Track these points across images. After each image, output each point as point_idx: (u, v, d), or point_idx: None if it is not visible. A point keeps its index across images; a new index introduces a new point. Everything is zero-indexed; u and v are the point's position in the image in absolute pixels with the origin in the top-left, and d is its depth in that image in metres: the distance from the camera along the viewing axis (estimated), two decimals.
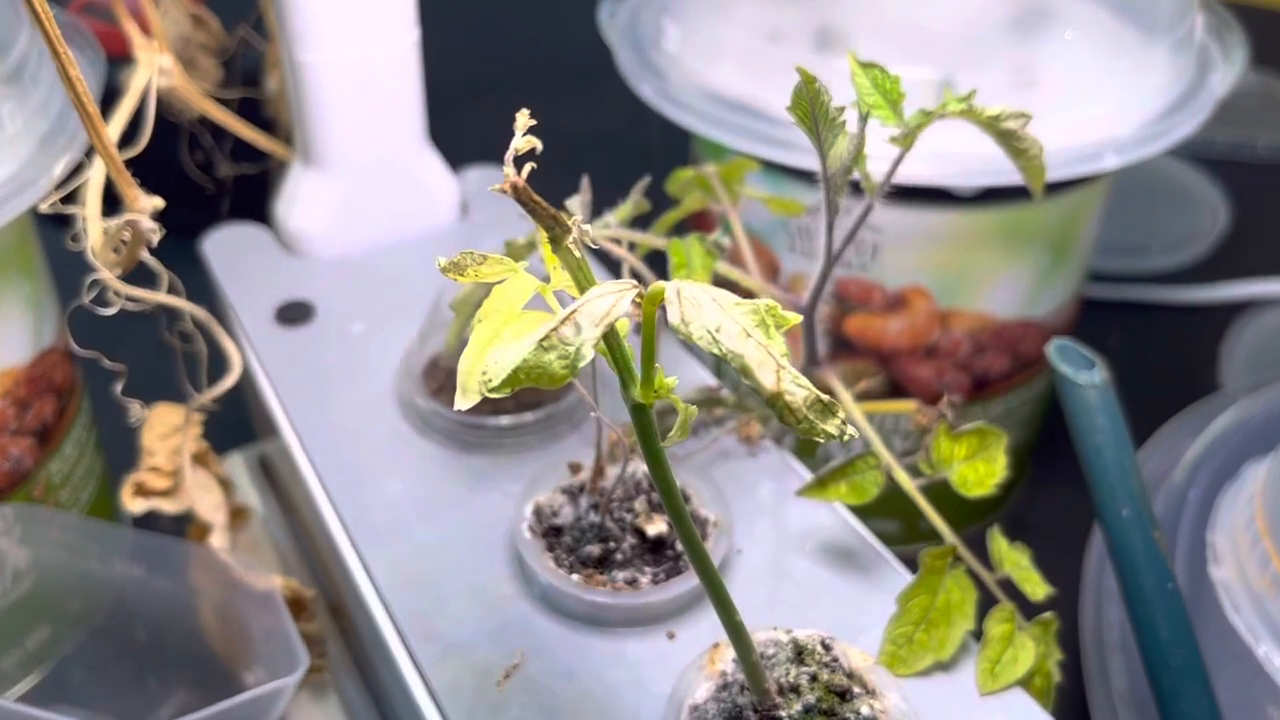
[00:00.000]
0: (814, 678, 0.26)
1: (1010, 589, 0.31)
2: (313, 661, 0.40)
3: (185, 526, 0.40)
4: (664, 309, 0.19)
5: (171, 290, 0.35)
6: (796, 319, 0.19)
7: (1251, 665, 0.39)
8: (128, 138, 0.37)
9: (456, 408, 0.19)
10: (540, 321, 0.19)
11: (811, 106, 0.26)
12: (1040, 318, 0.47)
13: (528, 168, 0.19)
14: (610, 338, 0.20)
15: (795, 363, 0.34)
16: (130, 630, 0.38)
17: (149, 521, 0.39)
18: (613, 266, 0.35)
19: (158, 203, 0.32)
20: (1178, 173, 0.77)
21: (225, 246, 0.42)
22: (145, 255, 0.35)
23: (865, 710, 0.25)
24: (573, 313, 0.19)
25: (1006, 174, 0.39)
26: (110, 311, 0.33)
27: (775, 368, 0.18)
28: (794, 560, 0.32)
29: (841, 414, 0.19)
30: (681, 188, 0.38)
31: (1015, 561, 0.31)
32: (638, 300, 0.19)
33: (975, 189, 0.41)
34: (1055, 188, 0.43)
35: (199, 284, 0.43)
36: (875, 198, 0.29)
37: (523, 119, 0.19)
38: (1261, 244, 0.72)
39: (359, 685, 0.40)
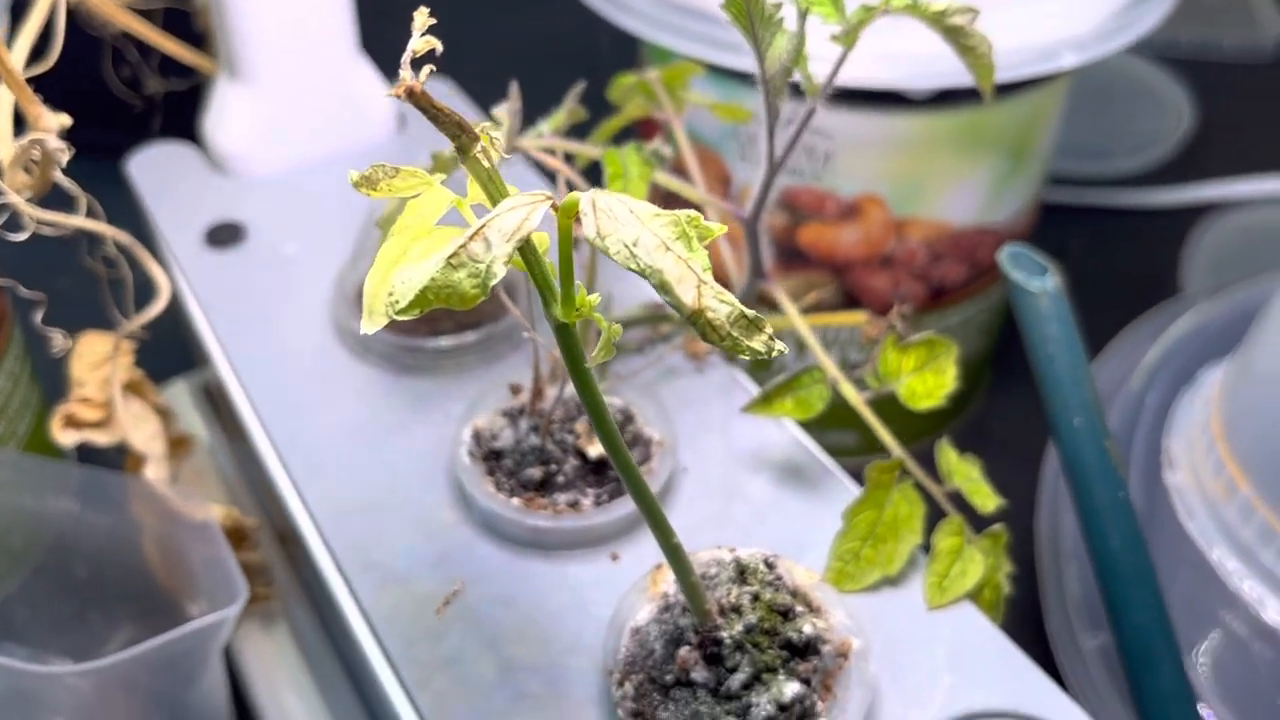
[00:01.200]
0: (756, 597, 0.25)
1: (960, 502, 0.30)
2: (258, 590, 0.39)
3: (121, 460, 0.39)
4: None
5: (91, 214, 0.33)
6: (721, 230, 0.18)
7: (1204, 570, 0.39)
8: (40, 52, 0.35)
9: (362, 331, 0.18)
10: (449, 238, 0.18)
11: (747, 4, 0.25)
12: (998, 224, 0.46)
13: (426, 70, 0.18)
14: (527, 253, 0.19)
15: (740, 275, 0.33)
16: (70, 566, 0.37)
17: (90, 455, 0.38)
18: (555, 179, 0.34)
19: (64, 120, 0.30)
20: (1142, 73, 0.75)
21: (151, 166, 0.41)
22: (61, 178, 0.33)
23: (808, 629, 0.25)
24: (482, 227, 0.18)
25: (960, 75, 0.38)
26: (21, 237, 0.31)
27: (696, 282, 0.17)
28: (742, 477, 0.31)
29: (768, 330, 0.18)
30: (624, 94, 0.36)
31: (965, 474, 0.30)
32: (554, 212, 0.18)
33: (929, 91, 0.40)
34: (1012, 88, 0.41)
35: (131, 207, 0.41)
36: (818, 100, 0.27)
37: (421, 18, 0.18)
38: (1225, 145, 0.71)
39: (308, 612, 0.40)
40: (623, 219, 0.17)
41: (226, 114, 0.40)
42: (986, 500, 0.30)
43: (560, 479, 0.30)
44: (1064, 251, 0.65)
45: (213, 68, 0.41)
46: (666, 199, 0.35)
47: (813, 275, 0.46)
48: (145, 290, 0.35)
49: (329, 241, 0.38)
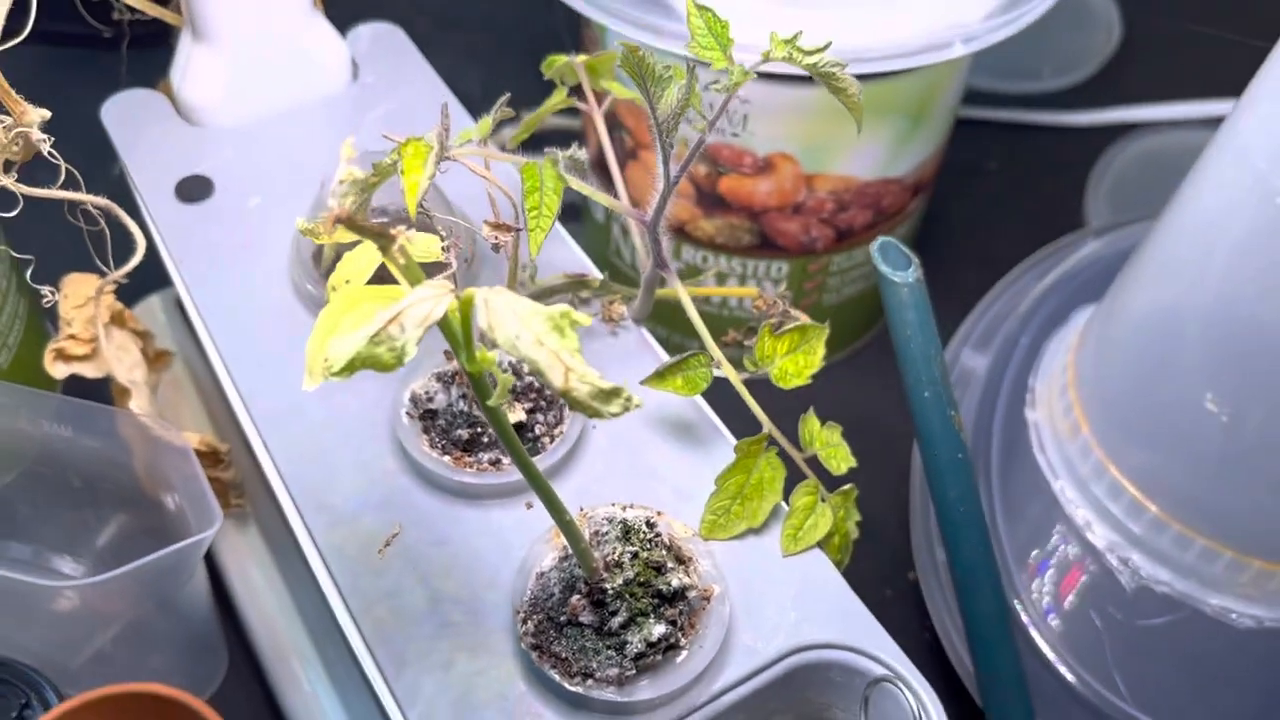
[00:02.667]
0: (635, 555, 0.31)
1: (820, 466, 0.36)
2: (232, 502, 0.45)
3: (108, 385, 0.44)
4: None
5: (70, 184, 0.38)
6: (586, 320, 0.23)
7: (1048, 496, 0.46)
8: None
9: (304, 388, 0.23)
10: (374, 313, 0.23)
11: (639, 69, 0.29)
12: (900, 175, 0.50)
13: (349, 199, 0.22)
14: (442, 324, 0.24)
15: (643, 270, 0.37)
16: (65, 477, 0.43)
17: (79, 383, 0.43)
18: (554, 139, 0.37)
19: (44, 114, 0.34)
20: None
21: (124, 115, 0.44)
22: (43, 150, 0.37)
23: (675, 582, 0.31)
24: (397, 315, 0.23)
25: (862, 64, 0.42)
26: (11, 214, 0.35)
27: (564, 370, 0.22)
28: (642, 435, 0.37)
29: (625, 394, 0.23)
30: (555, 73, 0.40)
31: (825, 440, 0.36)
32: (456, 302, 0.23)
33: None
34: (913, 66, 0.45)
35: (92, 107, 0.45)
36: (705, 133, 0.32)
37: (346, 149, 0.22)
38: (1150, 65, 0.74)
39: (274, 515, 0.46)
40: (507, 317, 0.22)
41: (191, 69, 0.43)
42: (842, 463, 0.36)
43: (485, 439, 0.35)
44: (982, 170, 0.69)
45: (179, 22, 0.44)
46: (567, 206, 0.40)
47: (732, 219, 0.50)
48: (122, 232, 0.40)
49: (291, 193, 0.42)
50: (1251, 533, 0.41)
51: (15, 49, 0.35)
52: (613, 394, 0.23)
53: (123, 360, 0.42)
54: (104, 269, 0.40)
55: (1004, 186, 0.69)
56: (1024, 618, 0.43)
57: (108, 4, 0.51)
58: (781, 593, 0.34)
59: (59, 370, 0.41)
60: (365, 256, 0.27)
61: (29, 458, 0.43)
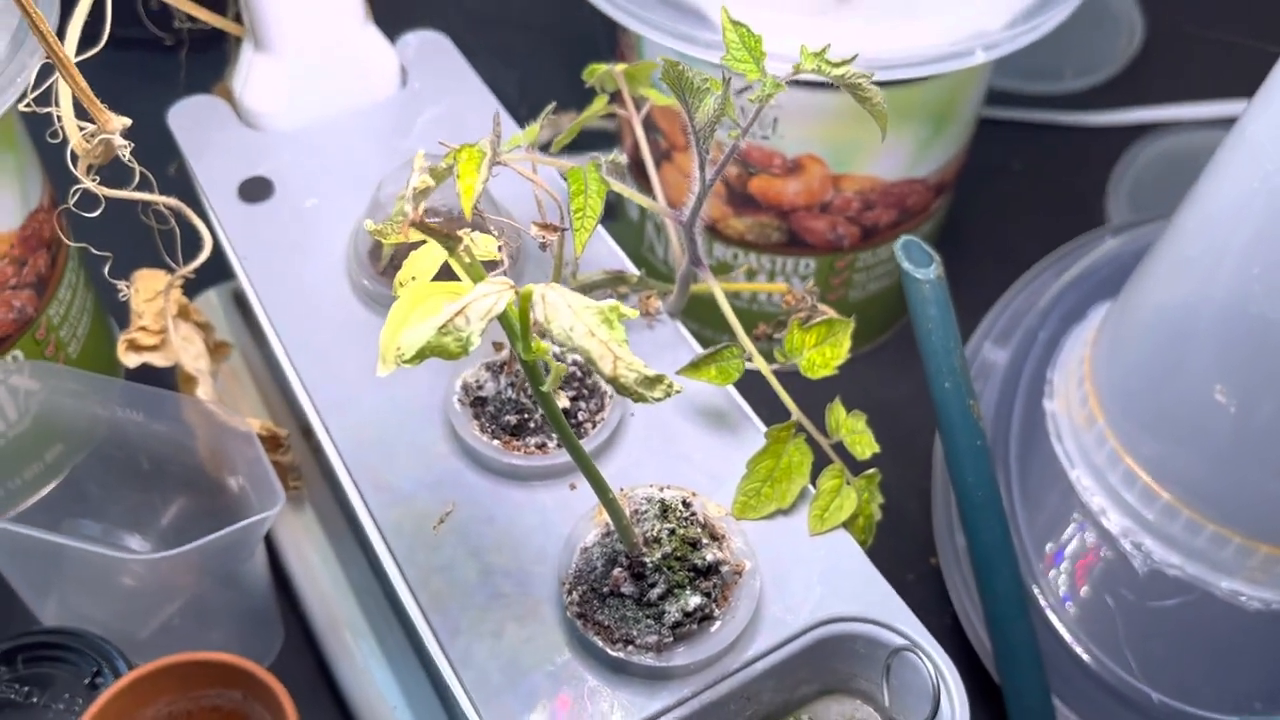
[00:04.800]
0: (673, 531, 0.34)
1: (845, 451, 0.38)
2: (290, 485, 0.48)
3: (174, 373, 0.47)
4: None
5: (144, 185, 0.40)
6: (633, 314, 0.25)
7: (1065, 483, 0.48)
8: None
9: (379, 374, 0.26)
10: (441, 307, 0.26)
11: (678, 81, 0.31)
12: (924, 176, 0.52)
13: (422, 207, 0.25)
14: (502, 317, 0.27)
15: (680, 266, 0.39)
16: (135, 461, 0.46)
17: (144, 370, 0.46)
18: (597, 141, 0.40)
19: (125, 122, 0.37)
20: None
21: (189, 119, 0.47)
22: (122, 156, 0.40)
23: (709, 556, 0.33)
24: (464, 308, 0.25)
25: (887, 71, 0.44)
26: (94, 214, 0.38)
27: (613, 359, 0.25)
28: (678, 423, 0.39)
29: (667, 381, 0.26)
30: (596, 80, 0.43)
31: (850, 427, 0.38)
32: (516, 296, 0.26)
33: None
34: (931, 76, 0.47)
35: (157, 110, 0.47)
36: (739, 140, 0.34)
37: (419, 160, 0.25)
38: (1172, 65, 0.76)
39: (329, 498, 0.48)
40: (562, 311, 0.25)
41: (252, 77, 0.46)
42: (865, 449, 0.38)
43: (531, 425, 0.38)
44: (1005, 169, 0.71)
45: (241, 33, 0.47)
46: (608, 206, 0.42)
47: (762, 217, 0.53)
48: (190, 233, 0.42)
49: (344, 195, 0.45)
50: (1259, 519, 0.43)
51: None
52: (656, 381, 0.26)
53: (188, 350, 0.45)
54: (172, 265, 0.43)
55: (1027, 185, 0.70)
56: (1041, 600, 0.46)
57: (168, 11, 0.54)
58: (808, 570, 0.36)
59: (131, 360, 0.44)
60: (429, 255, 0.30)
61: (99, 439, 0.46)
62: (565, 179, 0.35)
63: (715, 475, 0.38)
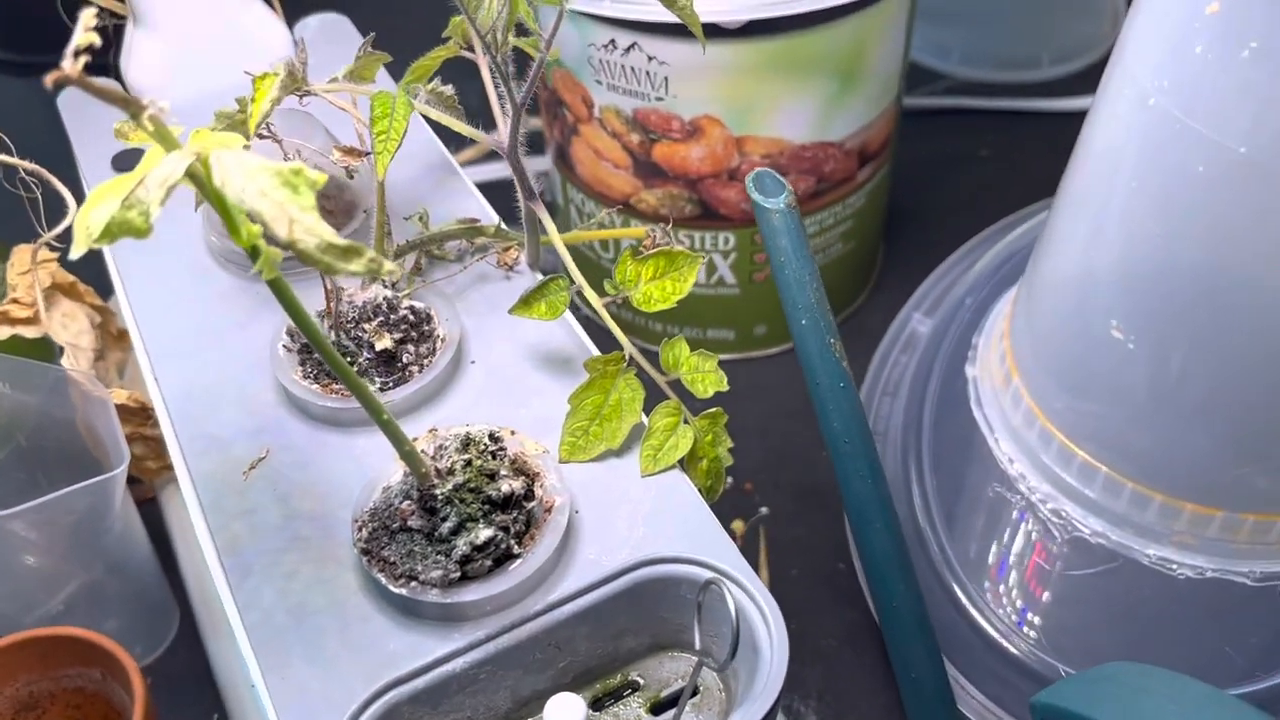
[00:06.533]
0: (469, 463, 0.32)
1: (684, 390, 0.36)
2: (166, 459, 0.47)
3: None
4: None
5: (1, 147, 0.40)
6: (322, 178, 0.24)
7: (984, 450, 0.44)
8: None
9: (71, 257, 0.24)
10: (128, 184, 0.24)
11: None
12: (839, 140, 0.50)
13: (80, 63, 0.24)
14: (211, 196, 0.25)
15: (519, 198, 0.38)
16: (13, 436, 0.45)
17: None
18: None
19: None
20: None
21: (79, 101, 0.47)
22: None
23: (505, 487, 0.31)
24: (143, 179, 0.24)
25: (766, 8, 0.42)
26: None
27: (289, 220, 0.23)
28: (522, 368, 0.37)
29: (368, 254, 0.24)
30: (454, 29, 0.42)
31: (693, 365, 0.35)
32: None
33: (738, 22, 0.44)
34: (829, 16, 0.45)
35: None
36: (541, 55, 0.32)
37: (86, 18, 0.24)
38: None
39: None
40: (235, 171, 0.23)
41: (135, 54, 0.46)
42: (707, 387, 0.35)
43: (356, 368, 0.36)
44: (973, 156, 0.68)
45: (123, 10, 0.47)
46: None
47: (672, 188, 0.51)
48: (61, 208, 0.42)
49: None
50: (1180, 475, 0.39)
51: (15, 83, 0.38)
52: (350, 251, 0.24)
53: (67, 326, 0.45)
54: (40, 234, 0.43)
55: (995, 173, 0.67)
56: (946, 571, 0.42)
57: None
58: (635, 512, 0.33)
59: (1, 332, 0.44)
60: (153, 156, 0.28)
61: (24, 428, 0.45)
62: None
63: (553, 420, 0.35)
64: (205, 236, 0.41)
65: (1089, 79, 0.71)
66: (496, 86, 0.33)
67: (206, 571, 0.45)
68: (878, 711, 0.45)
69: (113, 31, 0.53)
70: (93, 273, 0.47)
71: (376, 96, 0.34)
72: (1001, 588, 0.42)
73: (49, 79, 0.23)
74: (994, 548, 0.43)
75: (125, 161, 0.45)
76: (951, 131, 0.69)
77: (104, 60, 0.55)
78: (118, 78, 0.49)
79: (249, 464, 0.35)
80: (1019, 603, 0.41)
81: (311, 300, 0.37)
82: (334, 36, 0.50)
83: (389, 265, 0.24)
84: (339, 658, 0.30)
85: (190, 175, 0.25)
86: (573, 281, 0.36)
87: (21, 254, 0.45)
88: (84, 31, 0.24)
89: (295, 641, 0.31)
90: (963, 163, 0.67)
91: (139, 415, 0.44)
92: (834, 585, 0.49)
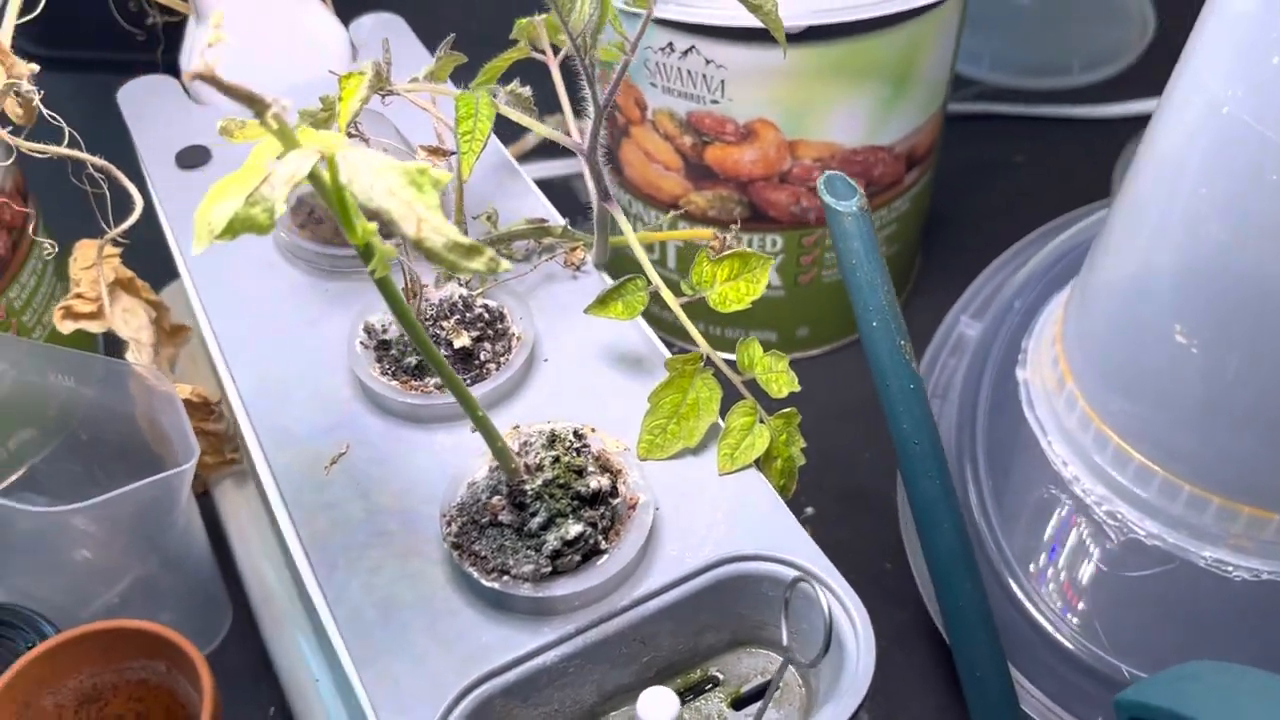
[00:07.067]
0: (557, 459, 0.32)
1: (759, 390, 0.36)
2: (227, 455, 0.47)
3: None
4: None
5: (72, 143, 0.41)
6: (448, 177, 0.24)
7: (1038, 453, 0.45)
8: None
9: (193, 253, 0.25)
10: (251, 181, 0.25)
11: None
12: (889, 144, 0.50)
13: (216, 59, 0.24)
14: (324, 193, 0.25)
15: (583, 199, 0.38)
16: (74, 431, 0.46)
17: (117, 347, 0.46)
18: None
19: (33, 67, 0.37)
20: None
21: (138, 96, 0.48)
22: (45, 110, 0.40)
23: (593, 484, 0.32)
24: (269, 175, 0.24)
25: (826, 14, 0.43)
26: (7, 163, 0.38)
27: (416, 219, 0.24)
28: (594, 367, 0.38)
29: (488, 252, 0.24)
30: (521, 34, 0.42)
31: (767, 365, 0.36)
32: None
33: (799, 27, 0.44)
34: (886, 22, 0.46)
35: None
36: (628, 55, 0.33)
37: (217, 17, 0.24)
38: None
39: None
40: (363, 171, 0.24)
41: (195, 50, 0.46)
42: (781, 387, 0.36)
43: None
44: (1008, 163, 0.69)
45: (186, 9, 0.47)
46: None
47: (722, 191, 0.51)
48: (127, 203, 0.43)
49: None
50: (1238, 478, 0.39)
51: (62, 78, 0.39)
52: (473, 250, 0.24)
53: (129, 321, 0.45)
54: (106, 230, 0.43)
55: (1029, 178, 0.68)
56: (1006, 572, 0.42)
57: (144, 11, 0.56)
58: (714, 509, 0.34)
59: (66, 326, 0.44)
60: (266, 149, 0.29)
61: (75, 417, 0.46)
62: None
63: (628, 418, 0.36)
64: (275, 230, 0.41)
65: (1118, 86, 0.72)
66: (580, 88, 0.33)
67: (266, 565, 0.45)
68: (929, 712, 0.45)
69: (162, 29, 0.54)
70: (143, 267, 0.47)
71: (461, 97, 0.35)
72: (1056, 587, 0.42)
73: (187, 75, 0.24)
74: (1049, 548, 0.43)
75: (190, 159, 0.45)
76: (985, 137, 0.69)
77: (151, 57, 0.55)
78: (172, 73, 0.49)
79: (329, 459, 0.35)
80: (1077, 603, 0.41)
81: (363, 303, 0.38)
82: (388, 35, 0.51)
83: (505, 264, 0.25)
84: (429, 651, 0.31)
85: (311, 173, 0.25)
86: (649, 282, 0.36)
87: (84, 249, 0.45)
88: (214, 29, 0.24)
89: (385, 635, 0.31)
90: (997, 168, 0.68)
91: (201, 410, 0.44)
92: (881, 585, 0.50)
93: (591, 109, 0.34)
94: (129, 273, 0.47)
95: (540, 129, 0.36)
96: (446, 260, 0.24)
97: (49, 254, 0.43)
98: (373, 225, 0.26)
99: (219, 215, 0.24)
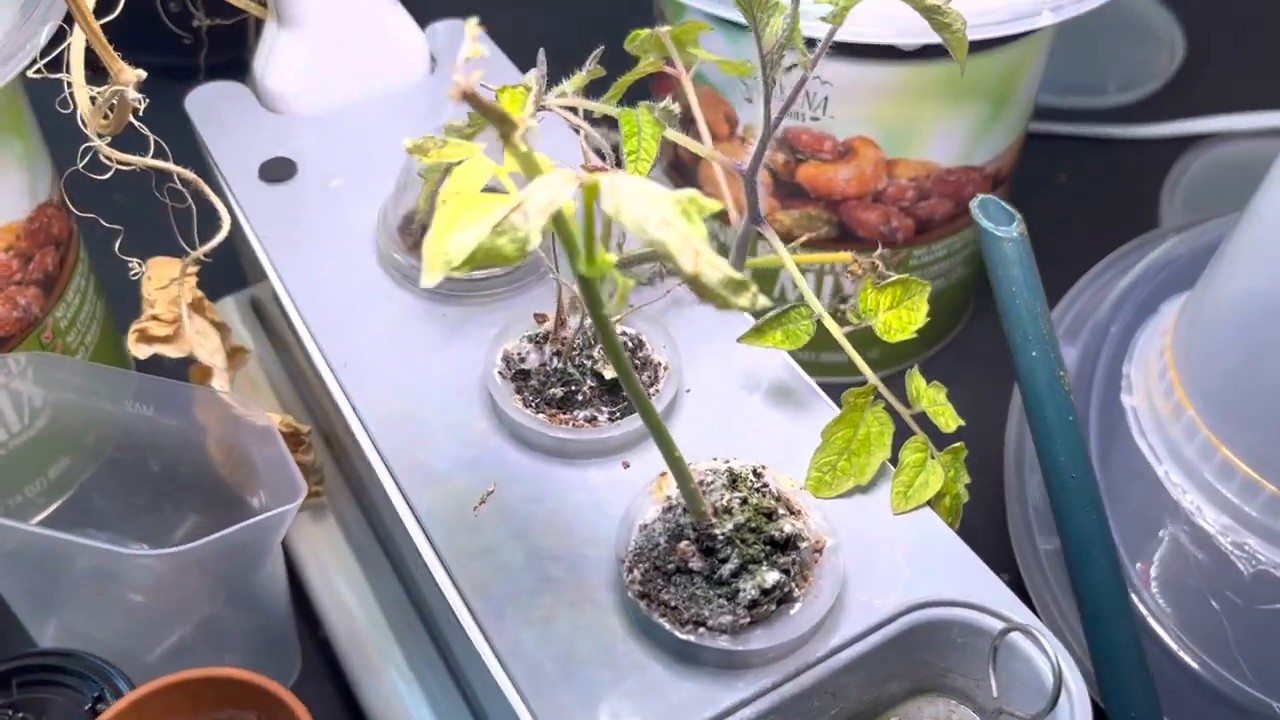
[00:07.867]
0: (744, 500, 0.30)
1: (926, 423, 0.35)
2: (311, 488, 0.44)
3: (186, 370, 0.44)
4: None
5: (158, 154, 0.38)
6: (717, 206, 0.22)
7: (1152, 481, 0.44)
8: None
9: (423, 285, 0.22)
10: (494, 208, 0.22)
11: None
12: (981, 165, 0.49)
13: (477, 74, 0.22)
14: (558, 220, 0.23)
15: (740, 220, 0.37)
16: (144, 462, 0.42)
17: (154, 366, 0.42)
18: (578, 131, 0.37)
19: (140, 74, 0.34)
20: (1137, 5, 0.78)
21: (207, 105, 0.45)
22: (133, 119, 0.37)
23: (788, 527, 0.30)
24: (522, 203, 0.22)
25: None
26: (104, 177, 0.35)
27: (694, 252, 0.21)
28: (738, 398, 0.36)
29: (753, 289, 0.22)
30: (639, 46, 0.40)
31: (931, 398, 0.34)
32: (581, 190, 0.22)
33: (916, 45, 0.43)
34: (993, 43, 0.45)
35: (178, 126, 0.45)
36: (808, 71, 0.31)
37: (471, 29, 0.22)
38: (1215, 78, 0.74)
39: (352, 505, 0.45)
40: (635, 199, 0.22)
41: (276, 56, 0.43)
42: (949, 421, 0.34)
43: (579, 397, 0.34)
44: (1052, 182, 0.69)
45: (264, 13, 0.44)
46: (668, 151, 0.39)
47: (810, 209, 0.50)
48: (204, 218, 0.40)
49: (371, 176, 0.42)
50: None
51: (96, 79, 0.36)
52: (742, 285, 0.22)
53: (202, 345, 0.42)
54: (187, 249, 0.40)
55: (1074, 197, 0.68)
56: (1141, 606, 0.41)
57: (188, 12, 0.52)
58: (894, 550, 0.32)
59: (142, 351, 0.41)
60: (475, 169, 0.26)
61: (113, 442, 0.42)
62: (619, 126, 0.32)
63: (782, 452, 0.34)
64: (385, 252, 0.39)
65: (1153, 106, 0.72)
66: (763, 107, 0.32)
67: (355, 604, 0.42)
68: None
69: (207, 31, 0.51)
70: (202, 281, 0.44)
71: (624, 115, 0.32)
72: (1187, 619, 0.41)
73: (452, 92, 0.21)
74: (1175, 580, 0.42)
75: (274, 172, 0.42)
76: (1029, 156, 0.69)
77: (205, 61, 0.52)
78: (241, 78, 0.46)
79: (478, 498, 0.33)
80: (1214, 636, 0.41)
81: (482, 329, 0.36)
82: (464, 42, 0.48)
83: (764, 300, 0.23)
84: (620, 710, 0.28)
85: None
86: (812, 310, 0.34)
87: (159, 267, 0.42)
88: (471, 42, 0.22)
89: (570, 694, 0.29)
90: (1041, 188, 0.68)
91: (291, 441, 0.41)
92: None
93: (760, 128, 0.32)
94: (199, 294, 0.43)
95: (696, 148, 0.34)
96: (719, 297, 0.22)
97: (135, 274, 0.39)
98: (612, 257, 0.24)
99: (458, 247, 0.22)
